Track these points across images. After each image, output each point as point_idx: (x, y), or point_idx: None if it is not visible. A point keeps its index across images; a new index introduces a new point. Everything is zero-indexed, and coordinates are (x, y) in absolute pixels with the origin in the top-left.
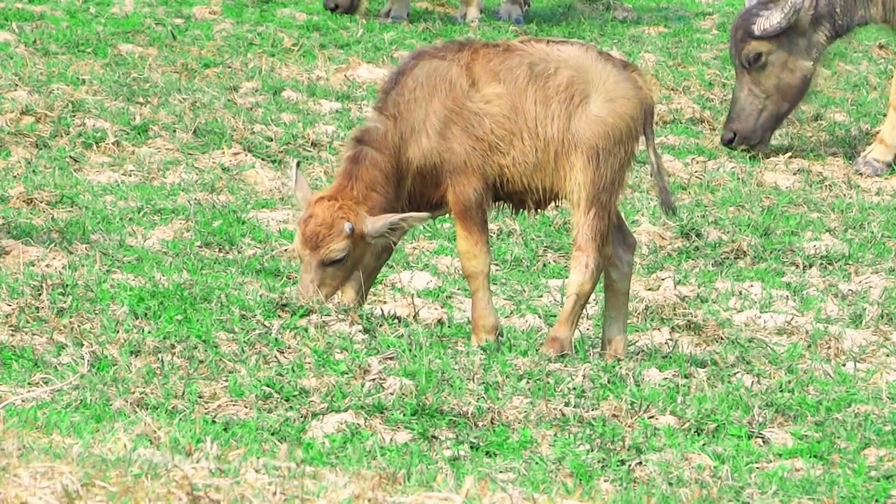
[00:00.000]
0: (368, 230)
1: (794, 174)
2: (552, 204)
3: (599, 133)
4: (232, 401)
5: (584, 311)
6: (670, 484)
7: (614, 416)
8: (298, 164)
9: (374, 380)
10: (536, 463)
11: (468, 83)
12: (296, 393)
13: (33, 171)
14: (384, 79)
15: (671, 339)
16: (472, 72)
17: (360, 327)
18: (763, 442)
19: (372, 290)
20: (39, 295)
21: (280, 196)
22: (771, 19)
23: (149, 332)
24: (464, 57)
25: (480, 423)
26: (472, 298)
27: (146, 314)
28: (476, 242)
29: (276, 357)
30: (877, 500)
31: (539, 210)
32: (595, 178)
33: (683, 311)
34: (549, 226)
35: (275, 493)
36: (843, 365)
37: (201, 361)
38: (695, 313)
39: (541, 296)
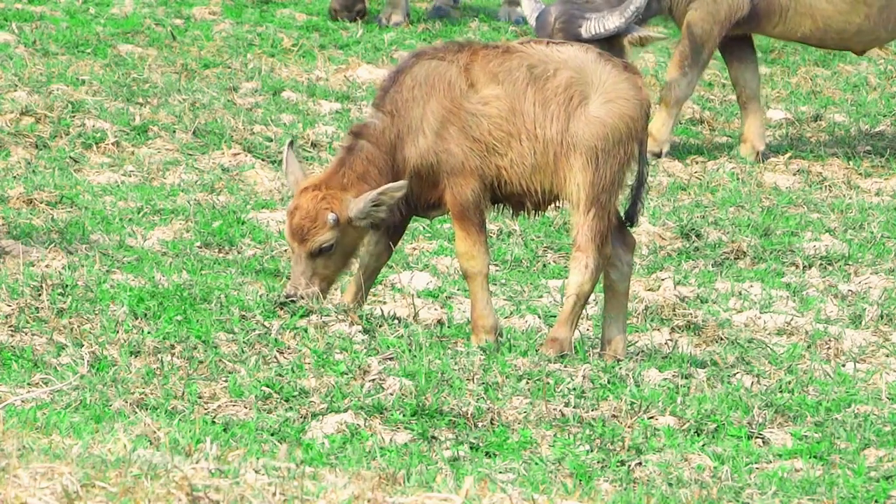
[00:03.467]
0: (353, 214)
1: (794, 174)
2: (551, 206)
3: (598, 134)
4: (232, 401)
5: (584, 311)
6: (670, 484)
7: (614, 416)
8: (292, 143)
9: (373, 380)
10: (536, 463)
11: (467, 84)
12: (295, 393)
13: (33, 171)
14: (384, 77)
15: (671, 340)
16: (470, 73)
17: (359, 328)
18: (763, 442)
19: (372, 290)
20: (39, 295)
21: (280, 196)
22: (606, 22)
23: (148, 333)
24: (463, 58)
25: (480, 424)
26: (471, 299)
27: (146, 315)
28: (474, 243)
29: (275, 357)
30: (876, 501)
31: (538, 212)
32: (594, 178)
33: (683, 311)
34: (550, 226)
35: (274, 494)
36: (843, 365)
37: (201, 362)
38: (695, 314)
39: (541, 296)
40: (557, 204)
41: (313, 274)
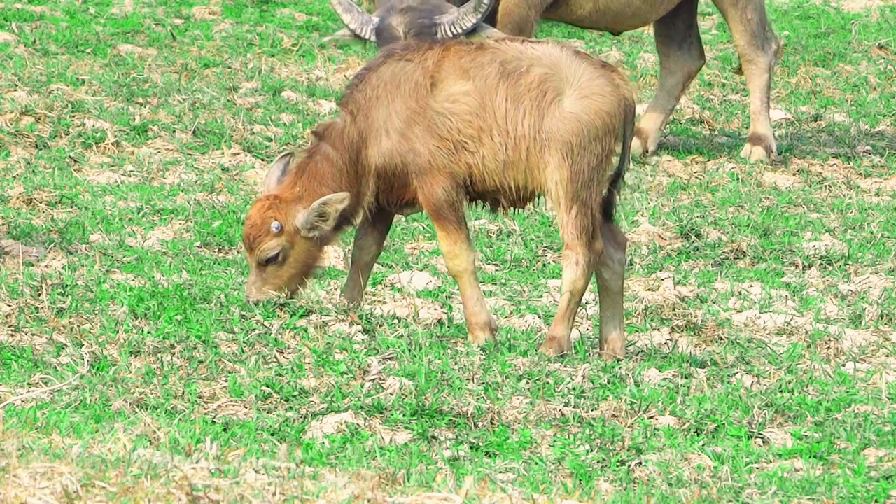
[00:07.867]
0: (299, 224)
1: (794, 174)
2: (528, 203)
3: (573, 129)
4: (231, 401)
5: (585, 310)
6: (670, 484)
7: (614, 416)
8: (289, 155)
9: (373, 380)
10: (536, 463)
11: (434, 82)
12: (295, 393)
13: (33, 171)
14: (353, 75)
15: (671, 340)
16: (439, 70)
17: (359, 328)
18: (763, 442)
19: (372, 290)
20: (39, 295)
21: None
22: (463, 22)
23: (148, 333)
24: (433, 55)
25: (480, 424)
26: (462, 297)
27: (146, 314)
28: (455, 241)
29: (275, 357)
30: (876, 501)
31: (516, 209)
32: (572, 174)
33: (683, 311)
34: (549, 226)
35: (274, 494)
36: (843, 365)
37: (201, 362)
38: (694, 314)
39: (540, 296)
40: (535, 202)
41: (264, 282)
